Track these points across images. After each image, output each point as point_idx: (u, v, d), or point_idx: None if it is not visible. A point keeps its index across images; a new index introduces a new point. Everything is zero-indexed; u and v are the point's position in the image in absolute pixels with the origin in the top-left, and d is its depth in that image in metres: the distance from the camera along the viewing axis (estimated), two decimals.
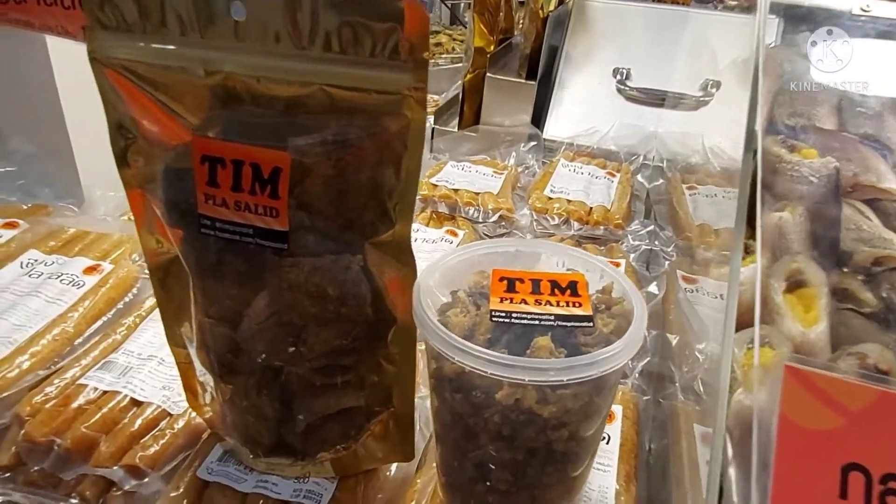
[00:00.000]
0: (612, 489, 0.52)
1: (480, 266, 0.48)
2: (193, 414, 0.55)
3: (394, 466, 0.55)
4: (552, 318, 0.41)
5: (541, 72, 1.20)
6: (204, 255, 0.43)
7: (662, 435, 0.62)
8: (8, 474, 0.52)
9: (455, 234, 0.88)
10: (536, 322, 0.41)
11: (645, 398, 0.64)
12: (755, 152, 0.47)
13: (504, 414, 0.40)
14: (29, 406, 0.54)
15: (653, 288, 0.79)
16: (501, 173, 1.03)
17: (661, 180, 1.06)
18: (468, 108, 1.26)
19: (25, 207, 0.84)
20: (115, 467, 0.51)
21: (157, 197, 0.44)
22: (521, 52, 1.27)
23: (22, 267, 0.70)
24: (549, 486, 0.44)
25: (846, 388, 0.31)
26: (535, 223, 0.93)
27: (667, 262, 0.85)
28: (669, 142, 1.10)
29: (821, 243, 0.50)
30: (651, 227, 0.92)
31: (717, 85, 1.08)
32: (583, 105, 1.19)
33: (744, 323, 0.43)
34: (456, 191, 0.96)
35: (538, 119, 1.20)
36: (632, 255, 0.86)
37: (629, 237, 0.90)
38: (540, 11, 1.21)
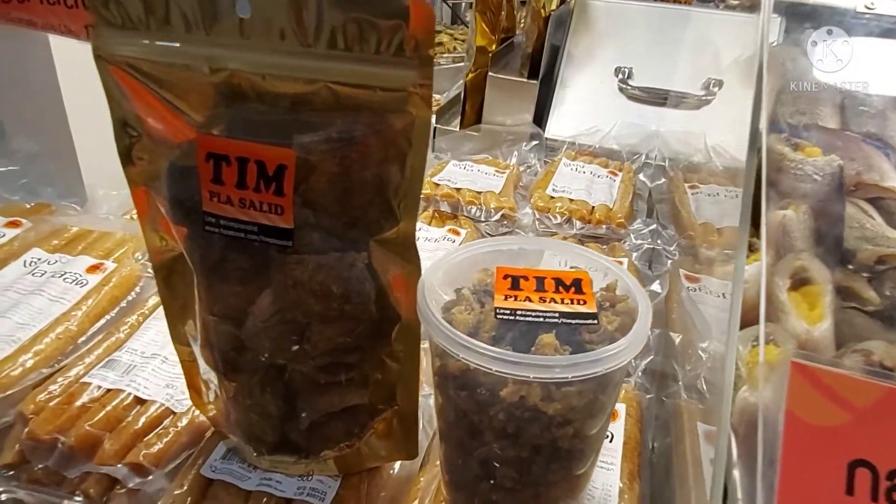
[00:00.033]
0: (615, 487, 0.52)
1: (484, 264, 0.48)
2: (197, 412, 0.55)
3: (397, 464, 0.55)
4: (557, 315, 0.41)
5: (543, 71, 1.20)
6: (208, 252, 0.43)
7: (665, 433, 0.62)
8: (12, 472, 0.52)
9: (457, 233, 0.88)
10: (541, 319, 0.41)
11: (648, 396, 0.64)
12: (759, 151, 0.47)
13: (509, 411, 0.40)
14: (33, 404, 0.54)
15: (655, 287, 0.79)
16: (503, 172, 1.03)
17: (664, 179, 1.06)
18: (470, 108, 1.26)
19: (28, 206, 0.84)
20: (118, 465, 0.51)
21: (162, 194, 0.44)
22: (523, 52, 1.27)
23: (25, 266, 0.70)
24: (554, 484, 0.44)
25: (852, 384, 0.31)
26: (537, 222, 0.93)
27: (669, 261, 0.85)
28: (671, 141, 1.10)
29: (824, 241, 0.50)
30: (653, 226, 0.92)
31: (720, 84, 1.08)
32: (585, 104, 1.19)
33: (747, 321, 0.43)
34: (458, 190, 0.96)
35: (540, 118, 1.20)
36: (634, 254, 0.86)
37: (631, 236, 0.90)
38: (542, 10, 1.21)
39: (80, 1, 0.73)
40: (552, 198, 0.95)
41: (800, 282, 0.46)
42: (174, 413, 0.56)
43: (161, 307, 0.65)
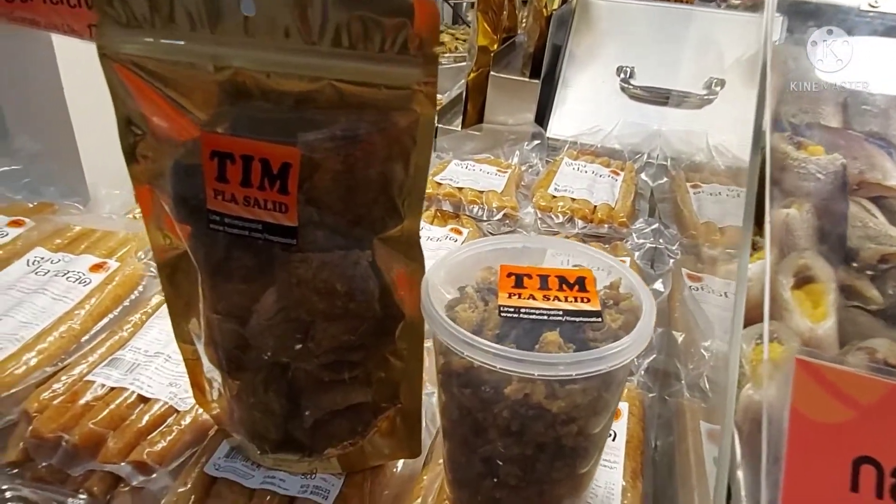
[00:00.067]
0: (618, 486, 0.52)
1: (487, 262, 0.48)
2: (200, 410, 0.56)
3: (400, 463, 0.56)
4: (561, 313, 0.41)
5: (544, 70, 1.20)
6: (213, 250, 0.43)
7: (668, 432, 0.62)
8: (16, 470, 0.52)
9: (459, 233, 0.88)
10: (545, 317, 0.41)
11: (651, 395, 0.64)
12: (763, 150, 0.47)
13: (513, 409, 0.40)
14: (37, 402, 0.54)
15: (658, 286, 0.79)
16: (505, 172, 1.03)
17: (666, 179, 1.06)
18: (472, 107, 1.27)
19: (31, 206, 0.84)
20: (122, 463, 0.51)
21: (166, 192, 0.44)
22: (525, 51, 1.27)
23: (28, 265, 0.71)
24: (558, 482, 0.44)
25: (857, 381, 0.31)
26: (538, 221, 0.93)
27: (671, 260, 0.85)
28: (673, 140, 1.10)
29: (828, 239, 0.50)
30: (655, 226, 0.92)
31: (722, 83, 1.08)
32: (586, 103, 1.19)
33: (750, 319, 0.43)
34: (460, 189, 0.96)
35: (542, 118, 1.20)
36: (636, 254, 0.86)
37: (633, 235, 0.90)
38: (543, 10, 1.21)
39: (84, 0, 0.73)
40: (554, 197, 0.95)
41: (803, 280, 0.46)
42: (177, 411, 0.56)
43: (164, 306, 0.65)
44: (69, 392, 0.55)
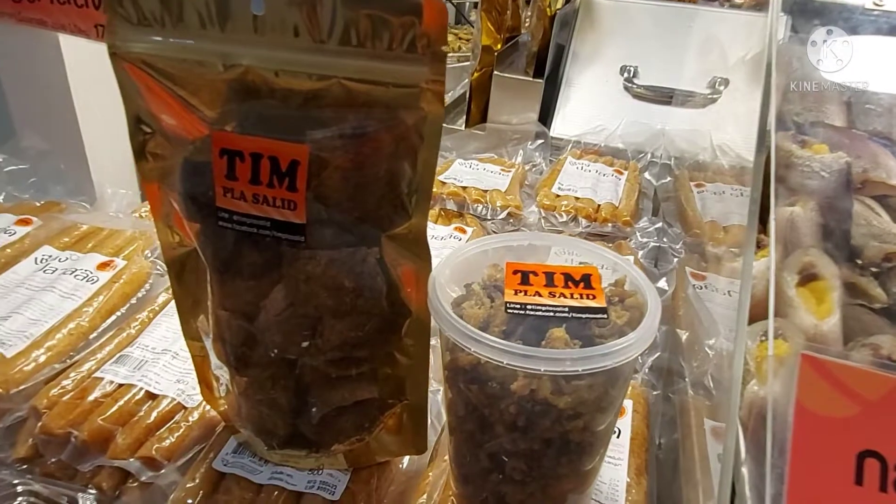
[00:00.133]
0: (622, 482, 0.53)
1: (493, 260, 0.48)
2: (207, 407, 0.56)
3: (406, 459, 0.56)
4: (566, 309, 0.42)
5: (548, 70, 1.21)
6: (221, 248, 0.44)
7: (672, 430, 0.62)
8: (26, 466, 0.53)
9: (464, 231, 0.88)
10: (551, 314, 0.41)
11: (655, 393, 0.64)
12: (768, 148, 0.48)
13: (519, 404, 0.40)
14: (46, 399, 0.54)
15: (662, 284, 0.79)
16: (509, 171, 1.03)
17: (669, 178, 1.06)
18: (475, 107, 1.27)
19: (38, 204, 0.85)
20: (131, 459, 0.51)
21: (175, 190, 0.44)
22: (529, 51, 1.27)
23: (36, 263, 0.71)
24: (563, 477, 0.44)
25: (863, 376, 0.31)
26: (542, 220, 0.93)
27: (675, 259, 0.85)
28: (677, 139, 1.10)
29: (832, 237, 0.50)
30: (659, 225, 0.92)
31: (725, 82, 1.08)
32: (590, 103, 1.19)
33: (755, 316, 0.43)
34: (464, 188, 0.97)
35: (545, 117, 1.20)
36: (640, 252, 0.87)
37: (637, 234, 0.91)
38: (547, 9, 1.22)
39: (91, 0, 0.74)
40: (558, 196, 0.96)
41: (808, 277, 0.46)
42: (185, 408, 0.56)
43: (171, 303, 0.66)
44: (78, 389, 0.56)
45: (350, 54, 0.38)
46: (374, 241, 0.43)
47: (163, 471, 0.51)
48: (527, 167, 1.09)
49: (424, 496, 0.51)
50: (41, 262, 0.71)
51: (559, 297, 0.42)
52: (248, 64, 0.40)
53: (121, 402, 0.55)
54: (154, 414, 0.54)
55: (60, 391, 0.55)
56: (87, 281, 0.68)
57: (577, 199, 0.95)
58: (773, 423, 0.33)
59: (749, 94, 0.60)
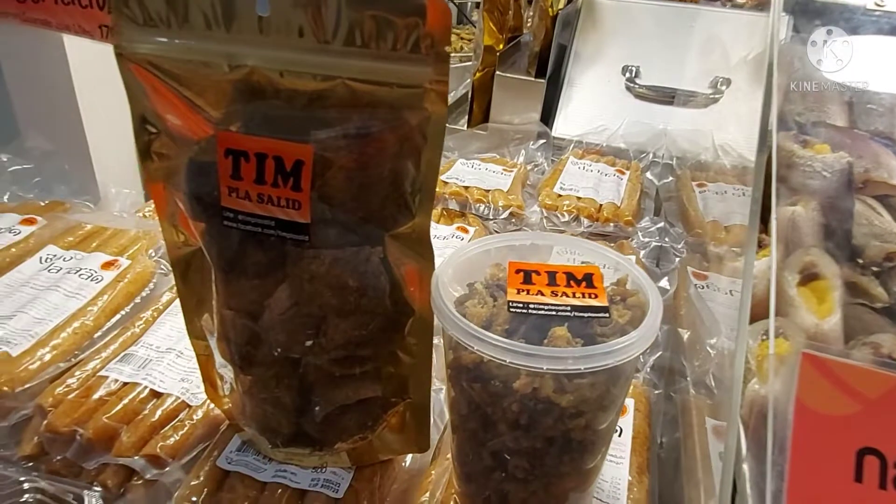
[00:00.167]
0: (624, 481, 0.53)
1: (495, 259, 0.49)
2: (212, 405, 0.56)
3: (409, 458, 0.56)
4: (569, 308, 0.42)
5: (550, 70, 1.21)
6: (226, 247, 0.44)
7: (674, 429, 0.63)
8: (31, 463, 0.53)
9: (466, 231, 0.89)
10: (553, 313, 0.42)
11: (656, 392, 0.65)
12: (769, 148, 0.48)
13: (522, 403, 0.40)
14: (51, 397, 0.55)
15: (663, 283, 0.79)
16: (511, 171, 1.03)
17: (671, 178, 1.06)
18: (477, 107, 1.27)
19: (43, 204, 0.85)
20: (136, 457, 0.52)
21: (181, 190, 0.44)
22: (531, 51, 1.28)
23: (41, 262, 0.71)
24: (565, 476, 0.44)
25: (863, 375, 0.31)
26: (544, 220, 0.93)
27: (677, 259, 0.85)
28: (679, 139, 1.10)
29: (833, 237, 0.50)
30: (661, 224, 0.93)
31: (727, 82, 1.08)
32: (592, 103, 1.19)
33: (756, 316, 0.43)
34: (466, 188, 0.97)
35: (547, 117, 1.20)
36: (642, 252, 0.87)
37: (639, 234, 0.91)
38: (549, 9, 1.22)
39: (95, 1, 0.74)
40: (560, 196, 0.96)
41: (809, 277, 0.47)
42: (189, 406, 0.56)
43: (175, 303, 0.66)
44: (83, 387, 0.56)
45: (354, 55, 0.38)
46: (378, 240, 0.43)
47: (167, 468, 0.51)
48: (529, 167, 1.09)
49: (427, 494, 0.51)
50: (46, 261, 0.72)
51: (561, 296, 0.43)
52: (253, 64, 0.40)
53: (125, 401, 0.55)
54: (158, 412, 0.55)
55: (66, 389, 0.56)
56: (91, 280, 0.69)
57: (579, 198, 0.95)
58: (773, 421, 0.33)
59: (751, 94, 0.60)
